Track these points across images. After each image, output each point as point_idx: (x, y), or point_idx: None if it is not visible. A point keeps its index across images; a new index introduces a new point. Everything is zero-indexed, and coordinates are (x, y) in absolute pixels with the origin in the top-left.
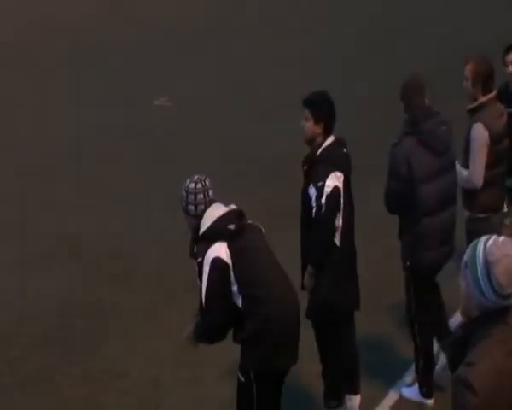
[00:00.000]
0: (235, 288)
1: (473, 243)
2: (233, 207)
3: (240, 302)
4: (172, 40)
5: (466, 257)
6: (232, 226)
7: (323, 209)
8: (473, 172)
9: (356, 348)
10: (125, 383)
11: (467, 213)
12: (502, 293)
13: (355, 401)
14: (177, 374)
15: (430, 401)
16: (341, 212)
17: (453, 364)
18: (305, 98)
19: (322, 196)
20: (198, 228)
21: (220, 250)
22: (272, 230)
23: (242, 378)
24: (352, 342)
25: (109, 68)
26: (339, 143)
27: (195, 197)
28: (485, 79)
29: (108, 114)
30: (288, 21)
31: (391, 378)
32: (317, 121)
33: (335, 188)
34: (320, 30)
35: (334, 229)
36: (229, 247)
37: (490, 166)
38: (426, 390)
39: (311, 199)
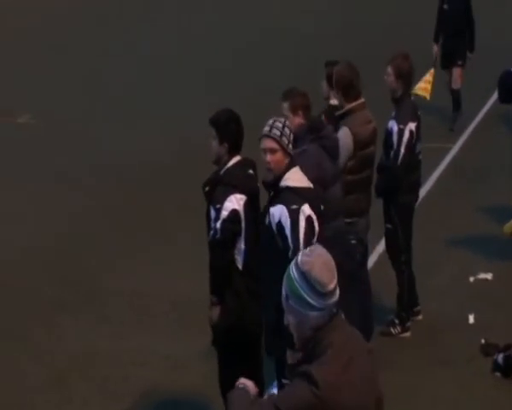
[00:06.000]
0: None
1: (285, 275)
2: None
3: None
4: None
5: (284, 290)
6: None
7: (218, 234)
8: None
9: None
10: None
11: None
12: (326, 291)
13: None
14: None
15: None
16: (243, 234)
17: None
18: (210, 117)
19: (218, 220)
20: (284, 170)
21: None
22: None
23: None
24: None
25: None
26: (244, 163)
27: (293, 141)
28: (346, 87)
29: None
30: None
31: None
32: (221, 142)
33: (233, 211)
34: None
35: (229, 254)
36: None
37: (355, 170)
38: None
39: (211, 221)
